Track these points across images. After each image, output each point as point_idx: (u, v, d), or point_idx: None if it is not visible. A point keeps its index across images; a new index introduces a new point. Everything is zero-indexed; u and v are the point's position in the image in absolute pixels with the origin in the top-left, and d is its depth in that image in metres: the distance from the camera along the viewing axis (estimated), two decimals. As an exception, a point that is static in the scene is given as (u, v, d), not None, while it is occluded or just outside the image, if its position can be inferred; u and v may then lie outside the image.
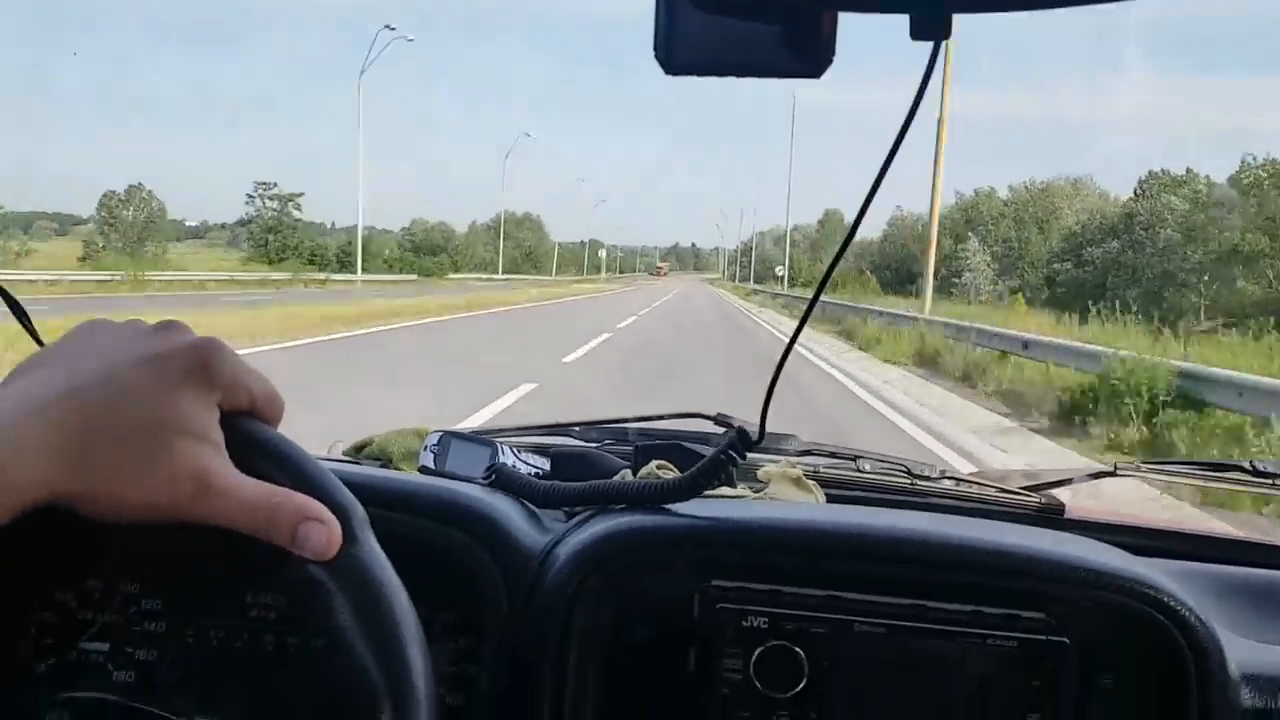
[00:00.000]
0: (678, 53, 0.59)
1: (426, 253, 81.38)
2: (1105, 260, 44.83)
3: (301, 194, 66.97)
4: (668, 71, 0.60)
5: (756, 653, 0.65)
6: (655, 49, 0.59)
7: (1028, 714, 0.64)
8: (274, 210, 66.54)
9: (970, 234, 50.15)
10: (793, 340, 0.67)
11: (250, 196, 66.46)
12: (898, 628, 0.65)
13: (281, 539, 0.50)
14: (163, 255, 55.49)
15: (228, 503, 0.50)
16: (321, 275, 48.40)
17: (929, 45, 0.51)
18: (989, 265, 47.63)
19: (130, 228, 57.55)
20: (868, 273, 48.55)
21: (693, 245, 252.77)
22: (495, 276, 69.90)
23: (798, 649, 0.65)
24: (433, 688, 0.51)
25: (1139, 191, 47.15)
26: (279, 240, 64.39)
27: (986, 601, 0.66)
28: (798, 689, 0.64)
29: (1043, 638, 0.65)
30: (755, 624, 0.65)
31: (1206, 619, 0.67)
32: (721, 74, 0.61)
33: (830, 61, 0.59)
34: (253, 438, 0.54)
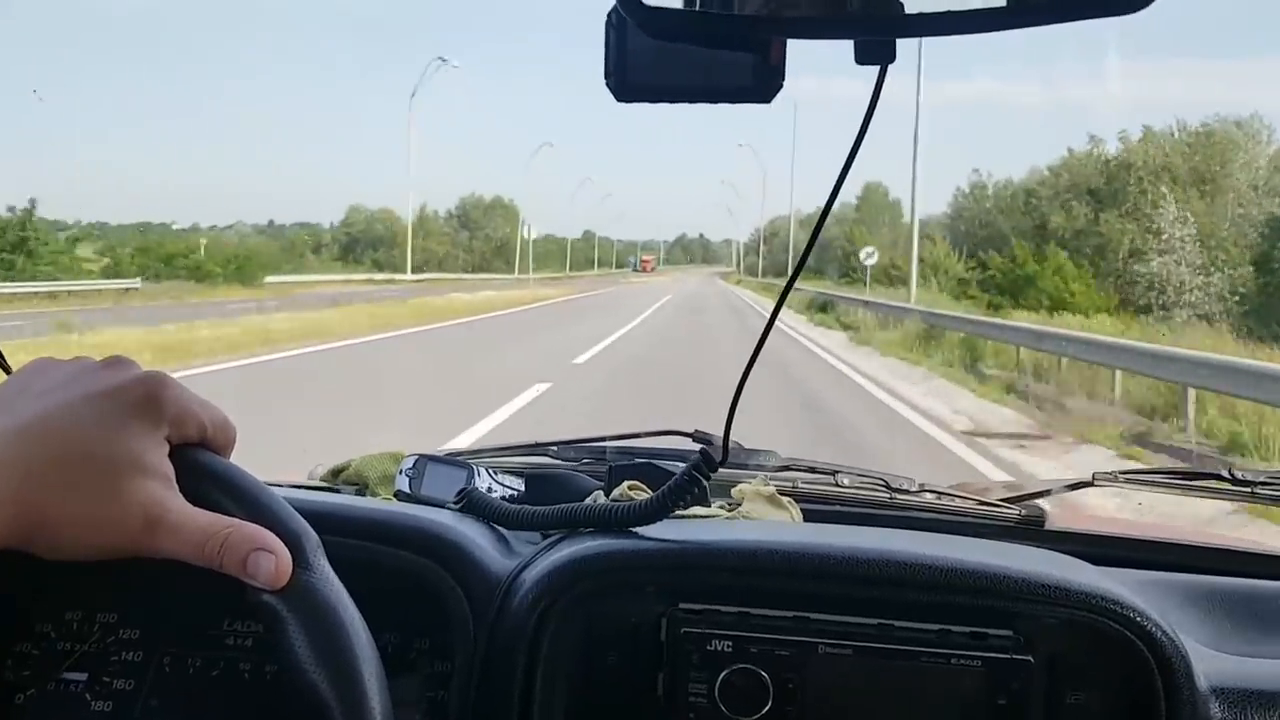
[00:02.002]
0: (629, 80, 0.60)
1: (367, 246, 70.24)
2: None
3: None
4: (619, 98, 0.61)
5: (721, 676, 0.65)
6: (606, 76, 0.60)
7: None
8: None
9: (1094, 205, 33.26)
10: (756, 350, 0.67)
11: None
12: (863, 649, 0.65)
13: (233, 570, 0.50)
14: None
15: (179, 536, 0.50)
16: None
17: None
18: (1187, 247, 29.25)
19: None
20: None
21: (701, 236, 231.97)
22: (399, 277, 53.01)
23: (762, 672, 0.65)
24: (388, 709, 0.51)
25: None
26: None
27: (954, 620, 0.66)
28: (762, 712, 0.64)
29: (1007, 656, 0.65)
30: (720, 647, 0.65)
31: (1173, 633, 0.67)
32: (673, 100, 0.62)
33: (780, 86, 0.60)
34: (203, 469, 0.54)
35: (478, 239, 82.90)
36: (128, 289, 29.95)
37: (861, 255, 29.07)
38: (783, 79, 0.59)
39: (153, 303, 26.08)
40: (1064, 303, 26.15)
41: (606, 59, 0.60)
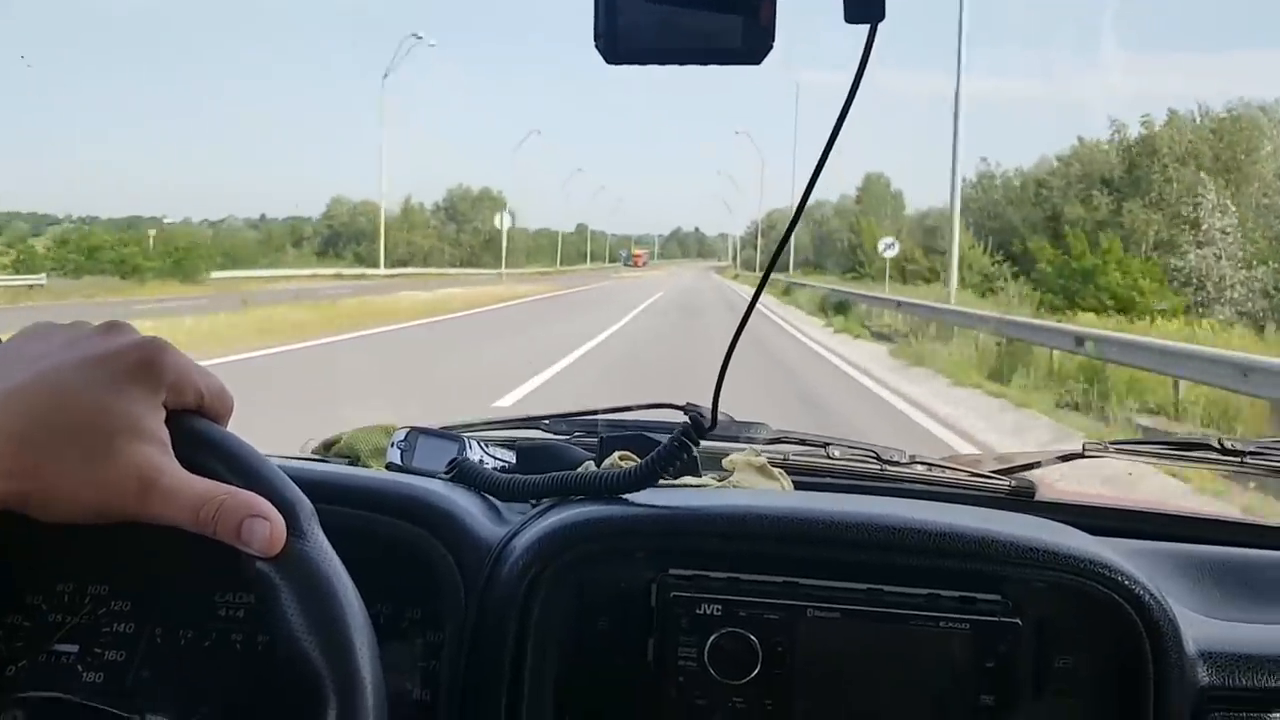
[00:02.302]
0: (620, 42, 0.60)
1: (350, 239, 65.18)
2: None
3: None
4: (609, 60, 0.60)
5: (710, 640, 0.65)
6: (596, 39, 0.59)
7: (981, 695, 0.64)
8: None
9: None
10: (743, 322, 0.67)
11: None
12: (852, 612, 0.66)
13: (227, 536, 0.50)
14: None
15: (173, 501, 0.50)
16: None
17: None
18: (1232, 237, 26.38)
19: None
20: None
21: (696, 230, 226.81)
22: (371, 272, 49.65)
23: (751, 635, 0.65)
24: (380, 678, 0.51)
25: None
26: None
27: (943, 585, 0.67)
28: (751, 675, 0.65)
29: (995, 619, 0.65)
30: (709, 611, 0.66)
31: (1161, 597, 0.67)
32: (663, 62, 0.61)
33: (770, 47, 0.59)
34: (199, 435, 0.54)
35: (465, 232, 77.29)
36: (31, 285, 25.82)
37: (880, 247, 26.29)
38: (772, 40, 0.59)
39: (60, 301, 22.09)
40: (1132, 303, 21.42)
41: (596, 21, 0.59)
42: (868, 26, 0.54)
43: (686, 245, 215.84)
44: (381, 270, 51.27)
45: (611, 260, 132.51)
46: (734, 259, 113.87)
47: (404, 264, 62.61)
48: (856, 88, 0.57)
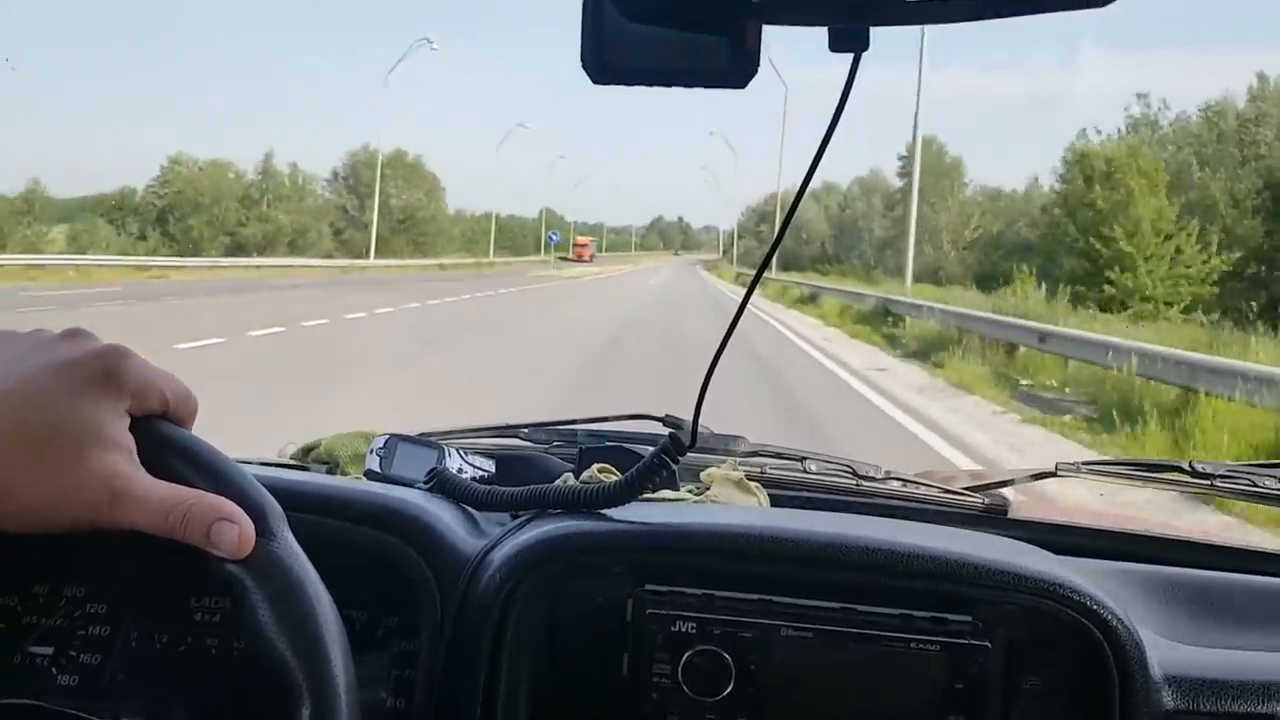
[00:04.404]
0: (605, 62, 0.60)
1: (190, 212, 46.99)
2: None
3: None
4: (595, 80, 0.61)
5: (684, 657, 0.66)
6: (583, 59, 0.60)
7: (950, 716, 0.65)
8: None
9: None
10: (728, 333, 0.68)
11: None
12: (825, 632, 0.66)
13: (196, 539, 0.51)
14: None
15: (141, 508, 0.50)
16: None
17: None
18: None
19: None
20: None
21: (680, 219, 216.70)
22: (152, 263, 31.45)
23: (725, 654, 0.65)
24: (353, 680, 0.51)
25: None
26: None
27: (915, 605, 0.67)
28: (725, 693, 0.65)
29: (966, 641, 0.66)
30: (683, 629, 0.66)
31: (1128, 621, 0.68)
32: (649, 84, 0.62)
33: (755, 71, 0.60)
34: (165, 440, 0.54)
35: (370, 209, 55.67)
36: None
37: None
38: (757, 64, 0.59)
39: None
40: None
41: (583, 41, 0.60)
42: (851, 56, 0.54)
43: (669, 236, 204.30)
44: (180, 261, 34.26)
45: (558, 252, 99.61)
46: (726, 252, 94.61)
47: (244, 249, 45.98)
48: (840, 114, 0.58)
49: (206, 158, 52.59)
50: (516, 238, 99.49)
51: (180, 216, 47.96)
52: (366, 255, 49.81)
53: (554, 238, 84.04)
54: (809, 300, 26.26)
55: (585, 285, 37.90)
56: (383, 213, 56.19)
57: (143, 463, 0.52)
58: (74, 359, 0.52)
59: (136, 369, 0.53)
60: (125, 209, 49.35)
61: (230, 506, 0.51)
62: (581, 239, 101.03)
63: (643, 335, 15.23)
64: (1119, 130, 32.02)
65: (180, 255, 39.21)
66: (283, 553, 0.52)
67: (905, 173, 42.52)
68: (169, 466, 0.53)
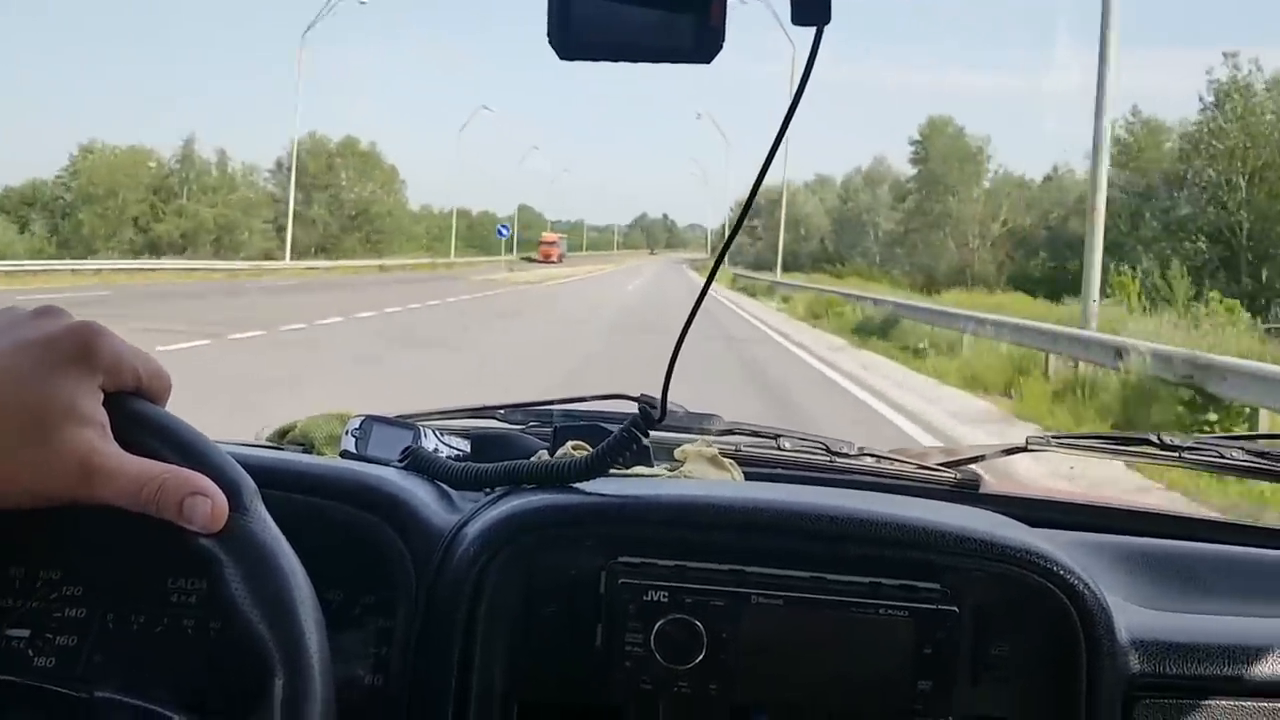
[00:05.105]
0: (572, 38, 0.61)
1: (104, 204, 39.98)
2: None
3: None
4: (562, 57, 0.61)
5: (656, 626, 0.66)
6: (549, 34, 0.60)
7: (919, 681, 0.66)
8: None
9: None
10: (692, 314, 0.68)
11: None
12: (795, 600, 0.67)
13: (169, 514, 0.51)
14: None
15: (114, 483, 0.51)
16: None
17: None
18: None
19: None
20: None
21: (665, 216, 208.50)
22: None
23: (696, 622, 0.66)
24: (326, 654, 0.52)
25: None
26: None
27: (885, 573, 0.68)
28: (696, 660, 0.66)
29: (934, 607, 0.67)
30: (656, 598, 0.67)
31: (1095, 586, 0.69)
32: (615, 59, 0.62)
33: (720, 47, 0.60)
34: (138, 417, 0.54)
35: (319, 203, 51.20)
36: None
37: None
38: (723, 40, 0.60)
39: None
40: None
41: (550, 17, 0.60)
42: (814, 29, 0.55)
43: (654, 233, 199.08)
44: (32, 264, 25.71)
45: (522, 251, 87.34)
46: (714, 250, 74.25)
47: (157, 248, 39.58)
48: (803, 87, 0.59)
49: (127, 145, 45.30)
50: (488, 236, 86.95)
51: (71, 212, 41.49)
52: (315, 254, 45.19)
53: (503, 232, 59.05)
54: (816, 316, 20.23)
55: (543, 294, 29.76)
56: (332, 207, 52.15)
57: (116, 439, 0.52)
58: (47, 335, 0.52)
59: (110, 345, 0.53)
60: (36, 204, 42.16)
61: (204, 481, 0.52)
62: (548, 236, 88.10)
63: (618, 326, 14.15)
64: (1200, 98, 25.79)
65: (73, 257, 31.10)
66: (256, 527, 0.53)
67: (918, 159, 38.49)
68: (142, 442, 0.53)
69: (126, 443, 0.52)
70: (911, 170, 40.51)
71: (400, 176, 60.14)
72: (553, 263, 73.30)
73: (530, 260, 75.48)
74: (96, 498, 0.51)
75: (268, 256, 42.19)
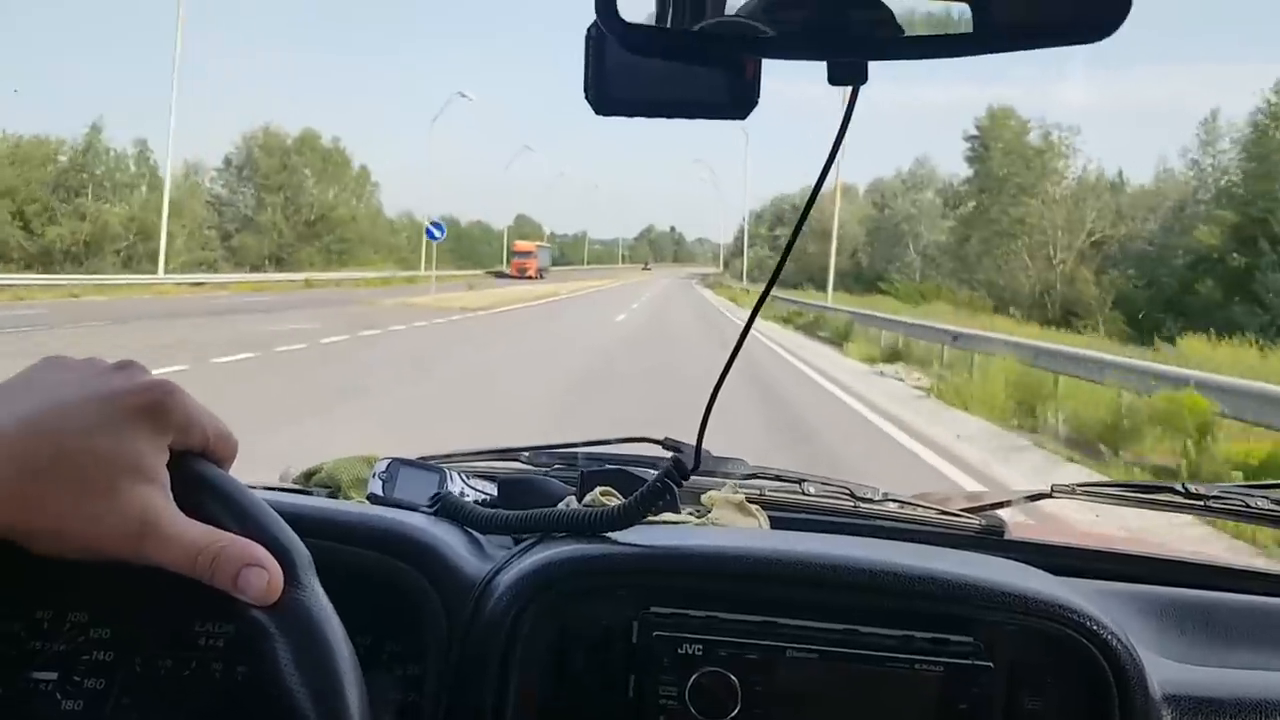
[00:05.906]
0: (608, 94, 0.62)
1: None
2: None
3: None
4: (599, 112, 0.62)
5: (691, 679, 0.66)
6: (585, 90, 0.61)
7: None
8: None
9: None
10: (733, 356, 0.68)
11: None
12: (829, 653, 0.67)
13: (224, 583, 0.51)
14: None
15: (170, 546, 0.51)
16: None
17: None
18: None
19: None
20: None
21: (672, 229, 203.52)
22: None
23: (731, 675, 0.66)
24: None
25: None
26: None
27: (916, 626, 0.68)
28: (731, 715, 0.66)
29: (968, 662, 0.67)
30: (690, 651, 0.67)
31: (1128, 641, 0.69)
32: (650, 115, 0.63)
33: (755, 103, 0.61)
34: (200, 479, 0.54)
35: (272, 207, 44.04)
36: None
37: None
38: (758, 96, 0.61)
39: None
40: None
41: (586, 73, 0.61)
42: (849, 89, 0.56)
43: (661, 248, 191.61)
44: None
45: (493, 261, 76.60)
46: (727, 265, 73.03)
47: (50, 256, 33.75)
48: (840, 143, 0.60)
49: (32, 134, 37.37)
50: (477, 247, 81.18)
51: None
52: (267, 266, 37.95)
53: (433, 233, 36.21)
54: (874, 360, 13.54)
55: (471, 333, 18.00)
56: (288, 211, 44.26)
57: (176, 499, 0.52)
58: (122, 390, 0.52)
59: (183, 404, 0.53)
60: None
61: (260, 552, 0.52)
62: (522, 245, 69.89)
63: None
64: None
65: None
66: (309, 600, 0.53)
67: (975, 156, 31.83)
68: (202, 505, 0.53)
69: (185, 504, 0.52)
70: (967, 170, 34.26)
71: (373, 179, 53.48)
72: (529, 278, 59.79)
73: (501, 275, 63.10)
74: (151, 559, 0.51)
75: (209, 266, 37.08)
